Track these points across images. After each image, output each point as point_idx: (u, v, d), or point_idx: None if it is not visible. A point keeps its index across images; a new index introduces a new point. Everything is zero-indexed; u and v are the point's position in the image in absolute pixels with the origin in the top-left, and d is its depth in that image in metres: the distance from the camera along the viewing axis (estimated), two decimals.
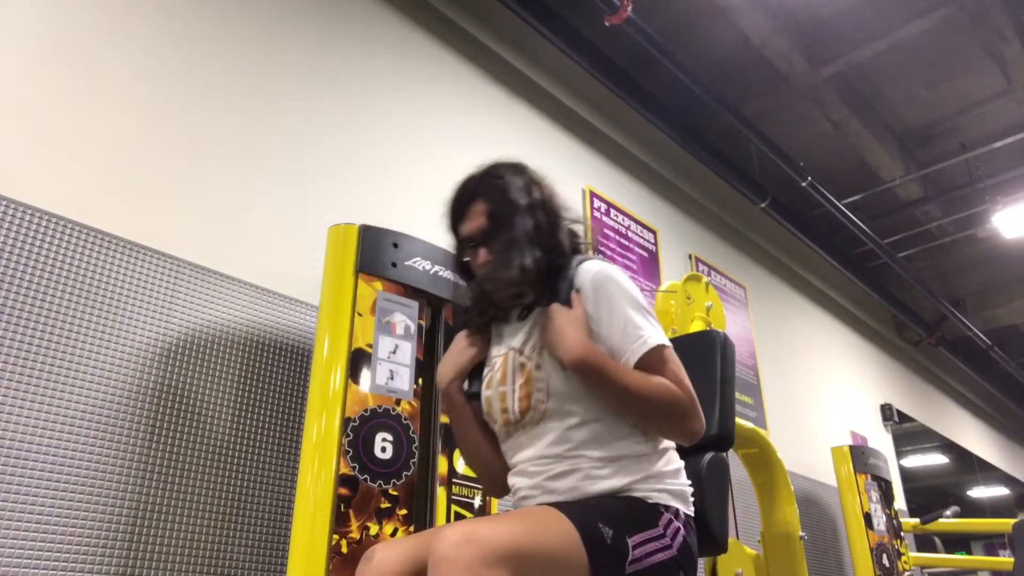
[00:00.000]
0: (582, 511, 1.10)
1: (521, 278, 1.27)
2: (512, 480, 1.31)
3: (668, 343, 1.24)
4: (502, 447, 1.34)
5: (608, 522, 1.10)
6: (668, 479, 1.23)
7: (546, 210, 1.34)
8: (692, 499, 1.28)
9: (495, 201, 1.34)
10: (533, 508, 1.12)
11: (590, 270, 1.28)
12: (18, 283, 1.66)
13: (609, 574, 1.08)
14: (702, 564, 2.67)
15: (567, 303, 1.25)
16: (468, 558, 0.94)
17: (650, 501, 1.19)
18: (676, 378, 1.21)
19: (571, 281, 1.28)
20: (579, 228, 1.39)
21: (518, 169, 1.40)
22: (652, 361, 1.20)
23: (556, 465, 1.22)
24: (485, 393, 1.34)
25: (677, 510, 1.21)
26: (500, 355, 1.34)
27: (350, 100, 2.62)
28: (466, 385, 1.40)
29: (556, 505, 1.12)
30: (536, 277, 1.27)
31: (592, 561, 1.05)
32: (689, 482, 1.29)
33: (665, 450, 1.27)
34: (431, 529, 1.28)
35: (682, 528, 1.20)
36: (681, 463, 1.29)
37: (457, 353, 1.40)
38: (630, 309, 1.23)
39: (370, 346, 1.78)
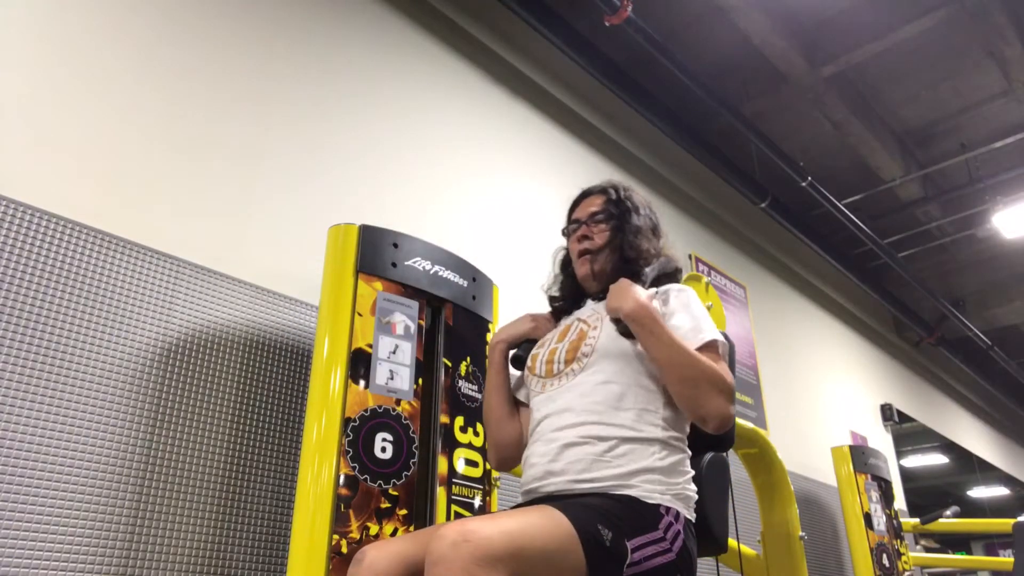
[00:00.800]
0: (582, 511, 1.10)
1: (619, 263, 1.44)
2: (528, 452, 1.35)
3: (722, 339, 1.34)
4: (533, 402, 1.41)
5: (607, 524, 1.10)
6: (674, 478, 1.23)
7: (652, 220, 1.55)
8: (694, 501, 1.28)
9: (611, 197, 1.53)
10: (533, 507, 1.12)
11: (672, 285, 1.43)
12: (18, 283, 1.66)
13: (606, 574, 1.08)
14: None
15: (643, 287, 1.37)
16: (465, 558, 0.94)
17: (651, 502, 1.19)
18: (724, 367, 1.29)
19: (654, 280, 1.42)
20: (675, 249, 1.56)
21: (636, 190, 1.60)
22: (709, 349, 1.30)
23: (571, 431, 1.27)
24: (536, 351, 1.46)
25: (678, 513, 1.21)
26: (565, 324, 1.48)
27: (350, 100, 2.62)
28: (512, 352, 1.51)
29: (556, 504, 1.11)
30: (631, 264, 1.43)
31: (590, 563, 1.05)
32: (695, 488, 1.29)
33: (680, 449, 1.29)
34: (423, 529, 1.28)
35: (682, 532, 1.20)
36: (691, 472, 1.30)
37: (518, 325, 1.54)
38: (699, 313, 1.35)
39: (370, 346, 1.78)
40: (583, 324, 1.42)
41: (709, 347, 1.30)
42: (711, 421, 1.23)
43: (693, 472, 1.32)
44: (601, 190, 1.56)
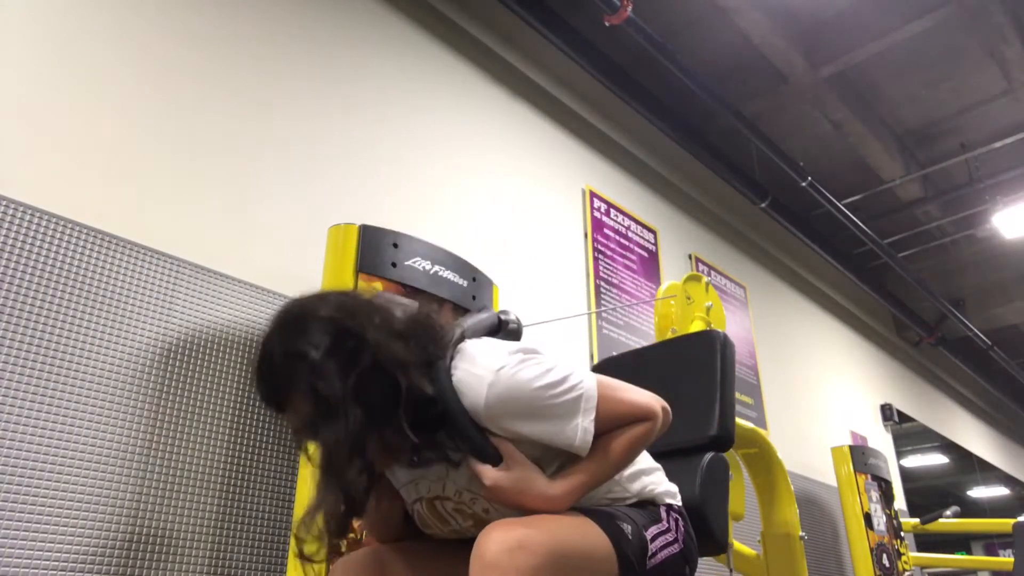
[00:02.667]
0: (599, 511, 1.10)
1: (348, 507, 1.01)
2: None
3: (590, 386, 1.07)
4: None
5: (625, 519, 1.10)
6: (643, 478, 1.22)
7: (376, 373, 1.00)
8: (676, 490, 1.28)
9: (306, 396, 1.01)
10: (562, 514, 1.06)
11: (477, 402, 1.02)
12: (18, 283, 1.66)
13: (633, 570, 1.07)
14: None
15: (485, 451, 1.05)
16: (521, 565, 0.92)
17: (648, 497, 1.20)
18: (630, 411, 1.10)
19: (466, 413, 1.03)
20: (433, 317, 1.10)
21: (327, 324, 1.02)
22: (603, 423, 1.07)
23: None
24: (426, 531, 1.18)
25: (670, 503, 1.22)
26: (418, 502, 1.15)
27: (350, 100, 2.62)
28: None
29: (573, 508, 1.10)
30: (420, 452, 1.06)
31: (620, 558, 1.05)
32: (660, 468, 1.27)
33: (637, 463, 1.24)
34: (396, 544, 1.23)
35: (679, 517, 1.20)
36: (646, 458, 1.26)
37: (385, 518, 1.20)
38: (545, 413, 1.04)
39: None
40: (450, 503, 1.13)
41: (601, 422, 1.06)
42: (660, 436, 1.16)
43: (658, 465, 1.29)
44: (285, 385, 1.02)
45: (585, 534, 1.04)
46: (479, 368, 1.04)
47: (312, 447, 1.08)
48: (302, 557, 1.05)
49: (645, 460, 1.26)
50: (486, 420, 1.03)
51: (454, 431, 1.04)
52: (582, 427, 1.05)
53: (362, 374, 0.99)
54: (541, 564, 0.94)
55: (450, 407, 1.02)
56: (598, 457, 1.08)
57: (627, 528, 1.09)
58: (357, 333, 1.01)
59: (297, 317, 1.04)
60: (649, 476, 1.23)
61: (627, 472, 1.19)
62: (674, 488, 1.27)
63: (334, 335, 1.01)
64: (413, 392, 1.00)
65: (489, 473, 1.04)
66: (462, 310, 2.04)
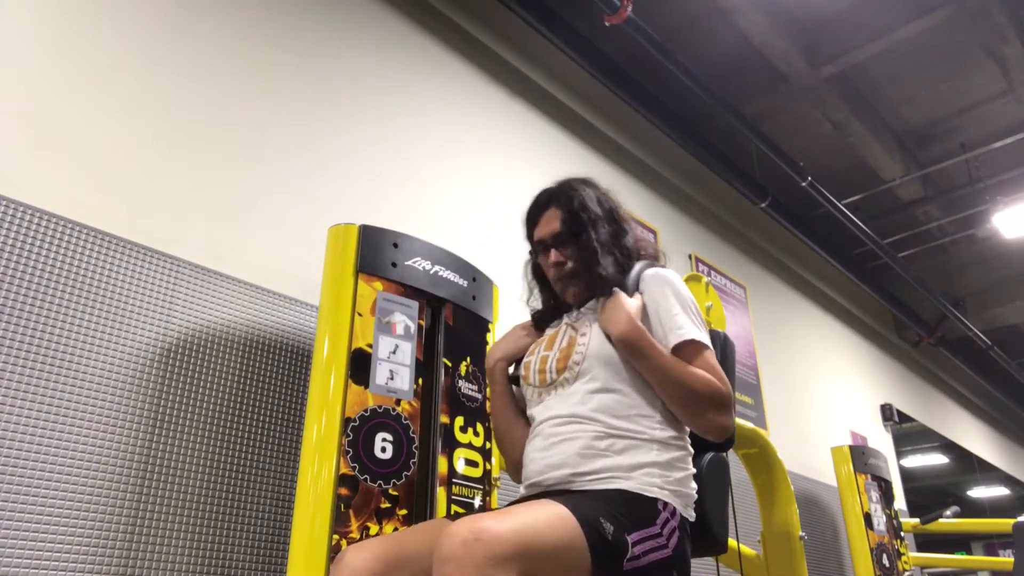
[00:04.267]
0: (584, 505, 1.10)
1: (597, 282, 1.38)
2: (529, 446, 1.35)
3: (707, 341, 1.33)
4: (530, 412, 1.40)
5: (609, 518, 1.10)
6: (673, 473, 1.23)
7: (616, 219, 1.47)
8: (694, 499, 1.29)
9: (569, 209, 1.45)
10: (536, 503, 1.12)
11: (648, 269, 1.42)
12: (18, 283, 1.66)
13: (608, 571, 1.08)
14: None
15: (630, 294, 1.36)
16: (477, 557, 0.93)
17: (649, 495, 1.19)
18: (713, 370, 1.29)
19: (636, 280, 1.40)
20: (646, 236, 1.54)
21: (589, 183, 1.52)
22: (688, 351, 1.29)
23: (571, 427, 1.27)
24: (527, 359, 1.44)
25: (675, 509, 1.21)
26: (553, 328, 1.48)
27: (350, 100, 2.62)
28: (511, 370, 1.50)
29: (558, 499, 1.11)
30: (608, 281, 1.38)
31: (593, 557, 1.05)
32: (695, 487, 1.29)
33: (679, 447, 1.29)
34: (405, 529, 1.29)
35: (678, 529, 1.20)
36: (691, 470, 1.30)
37: (512, 340, 1.52)
38: (677, 306, 1.34)
39: (370, 346, 1.78)
40: (571, 329, 1.42)
41: (689, 347, 1.30)
42: (709, 434, 1.29)
43: (694, 470, 1.31)
44: (557, 201, 1.49)
45: (556, 528, 1.04)
46: (658, 267, 1.46)
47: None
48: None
49: (686, 461, 1.31)
50: (646, 283, 1.39)
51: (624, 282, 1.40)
52: (687, 329, 1.31)
53: (608, 211, 1.47)
54: (499, 556, 0.94)
55: (630, 268, 1.43)
56: (676, 359, 1.28)
57: (608, 527, 1.09)
58: (607, 193, 1.52)
59: (567, 178, 1.55)
60: (678, 472, 1.25)
61: (668, 458, 1.25)
62: (691, 494, 1.27)
63: (596, 188, 1.52)
64: (626, 241, 1.46)
65: (619, 293, 1.35)
66: (463, 310, 2.04)
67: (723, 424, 1.27)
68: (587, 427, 1.26)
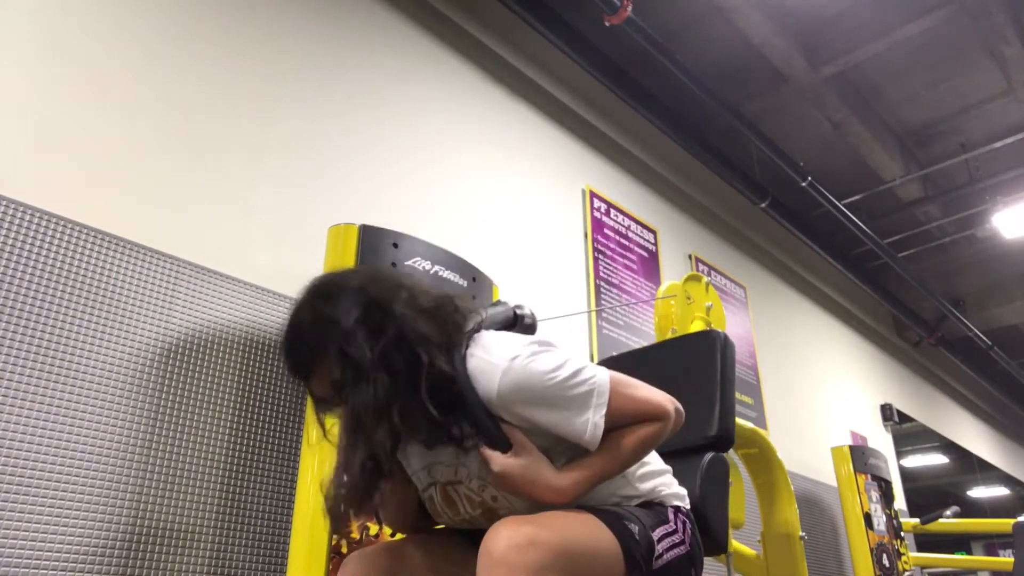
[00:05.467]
0: (606, 510, 1.10)
1: (369, 478, 1.02)
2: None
3: (603, 382, 1.08)
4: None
5: (632, 520, 1.10)
6: (653, 479, 1.22)
7: (401, 345, 1.03)
8: (685, 493, 1.28)
9: (336, 361, 1.04)
10: (566, 511, 1.06)
11: (491, 390, 1.04)
12: (18, 283, 1.66)
13: (639, 572, 1.08)
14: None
15: (496, 437, 1.06)
16: (530, 562, 0.92)
17: (656, 500, 1.20)
18: (642, 409, 1.10)
19: (480, 401, 1.05)
20: (457, 303, 1.13)
21: (357, 293, 1.06)
22: (614, 418, 1.08)
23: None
24: (439, 519, 1.19)
25: (678, 506, 1.21)
26: (432, 486, 1.16)
27: (350, 100, 2.62)
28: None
29: (580, 507, 1.10)
30: (434, 431, 1.05)
31: (627, 559, 1.05)
32: (670, 470, 1.27)
33: (650, 460, 1.24)
34: (407, 537, 1.24)
35: (688, 523, 1.20)
36: (656, 460, 1.26)
37: (398, 505, 1.20)
38: (556, 404, 1.05)
39: None
40: (462, 488, 1.13)
41: (597, 430, 1.06)
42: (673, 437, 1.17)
43: (656, 456, 1.28)
44: (313, 349, 1.05)
45: (593, 533, 1.04)
46: (494, 356, 1.05)
47: (329, 421, 1.11)
48: (335, 519, 1.07)
49: (656, 461, 1.25)
50: (498, 407, 1.05)
51: (467, 415, 1.05)
52: (592, 421, 1.06)
53: (388, 344, 1.03)
54: (550, 562, 0.93)
55: (464, 391, 1.04)
56: (608, 452, 1.08)
57: (634, 528, 1.08)
58: (385, 305, 1.05)
59: (328, 287, 1.09)
60: (659, 477, 1.23)
61: (638, 471, 1.19)
62: (683, 491, 1.26)
63: (364, 305, 1.05)
64: (433, 368, 1.03)
65: (498, 459, 1.05)
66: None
67: (676, 429, 1.15)
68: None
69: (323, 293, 1.08)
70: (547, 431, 1.07)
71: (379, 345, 1.02)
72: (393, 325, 1.04)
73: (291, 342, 1.08)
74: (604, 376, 1.09)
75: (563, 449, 1.10)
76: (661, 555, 1.11)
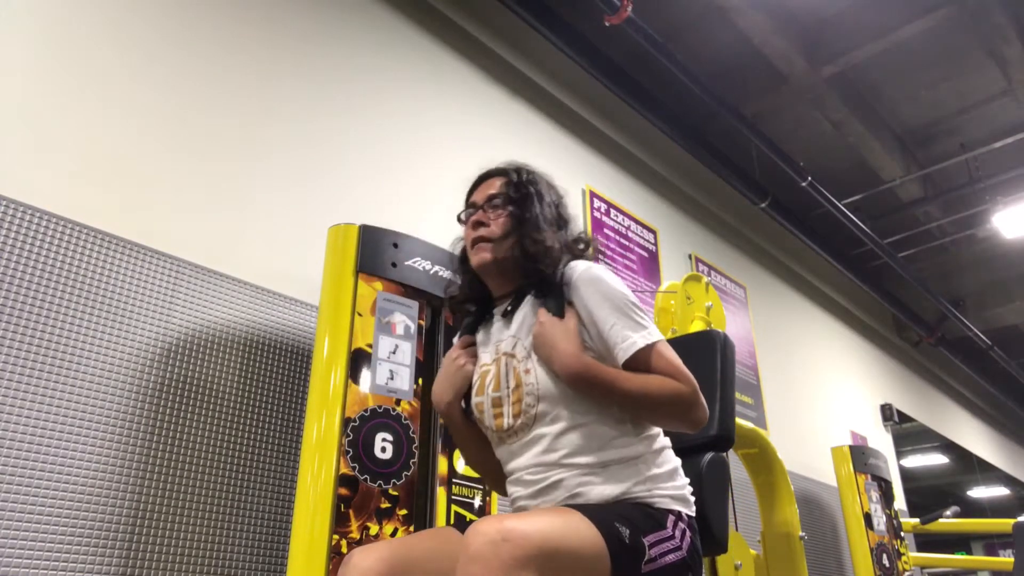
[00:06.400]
0: (598, 512, 1.10)
1: (549, 254, 1.28)
2: (510, 489, 1.30)
3: (658, 337, 1.21)
4: (496, 452, 1.32)
5: (624, 522, 1.10)
6: (665, 482, 1.23)
7: (557, 209, 1.37)
8: (692, 499, 1.28)
9: (513, 181, 1.37)
10: (555, 509, 1.11)
11: (576, 269, 1.27)
12: (18, 283, 1.66)
13: (627, 573, 1.08)
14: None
15: (559, 308, 1.24)
16: (504, 557, 0.93)
17: (655, 505, 1.19)
18: (673, 369, 1.19)
19: (561, 284, 1.27)
20: (586, 238, 1.40)
21: (540, 172, 1.45)
22: (643, 359, 1.19)
23: (549, 474, 1.21)
24: (476, 399, 1.31)
25: (680, 512, 1.21)
26: (491, 360, 1.32)
27: (350, 100, 2.62)
28: (463, 403, 1.36)
29: (572, 506, 1.11)
30: (534, 261, 1.28)
31: (613, 560, 1.05)
32: (687, 480, 1.29)
33: (660, 450, 1.26)
34: (412, 534, 1.27)
35: (688, 530, 1.20)
36: (677, 462, 1.28)
37: (452, 373, 1.36)
38: (612, 313, 1.21)
39: (370, 346, 1.78)
40: (512, 360, 1.27)
41: (641, 355, 1.18)
42: (688, 430, 1.21)
43: (679, 461, 1.29)
44: (502, 171, 1.41)
45: (577, 532, 1.04)
46: (592, 263, 1.30)
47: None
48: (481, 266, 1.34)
49: (672, 461, 1.27)
50: (574, 286, 1.25)
51: (554, 280, 1.28)
52: (633, 339, 1.19)
53: (553, 200, 1.39)
54: (526, 556, 0.94)
55: (554, 270, 1.29)
56: (631, 375, 1.18)
57: (624, 531, 1.09)
58: (555, 187, 1.44)
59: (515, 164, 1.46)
60: (671, 480, 1.24)
61: (658, 471, 1.22)
62: (689, 498, 1.26)
63: (546, 179, 1.44)
64: (566, 233, 1.36)
65: (546, 317, 1.23)
66: (452, 302, 2.03)
67: (696, 419, 1.19)
68: (567, 472, 1.20)
69: (513, 162, 1.46)
70: (595, 327, 1.22)
71: (550, 194, 1.39)
72: (556, 195, 1.41)
73: (492, 168, 1.47)
74: (658, 332, 1.26)
75: (598, 358, 1.23)
76: (654, 559, 1.11)
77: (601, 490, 1.18)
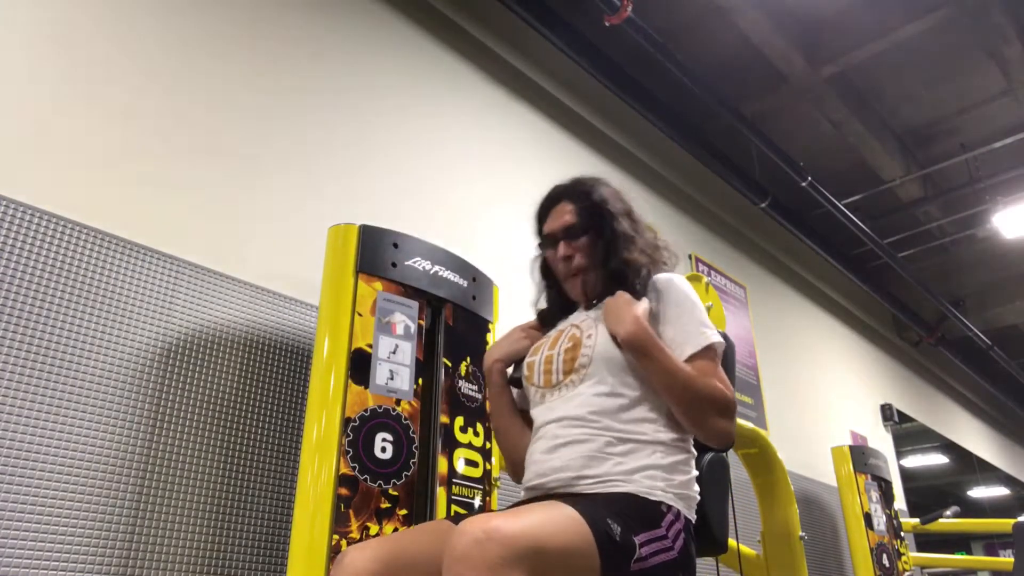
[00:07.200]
0: (591, 506, 1.10)
1: (611, 276, 1.37)
2: (532, 445, 1.34)
3: (720, 340, 1.32)
4: (533, 412, 1.39)
5: (616, 519, 1.10)
6: (676, 476, 1.23)
7: (633, 219, 1.44)
8: (696, 501, 1.29)
9: (583, 203, 1.42)
10: (545, 504, 1.11)
11: (660, 276, 1.39)
12: (18, 283, 1.66)
13: (616, 571, 1.08)
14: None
15: (636, 296, 1.33)
16: (489, 556, 0.93)
17: (652, 499, 1.19)
18: (722, 377, 1.28)
19: (646, 284, 1.37)
20: (663, 243, 1.48)
21: (603, 181, 1.48)
22: (708, 356, 1.29)
23: (575, 431, 1.26)
24: (529, 359, 1.42)
25: (679, 511, 1.21)
26: (556, 332, 1.43)
27: (350, 100, 2.62)
28: (511, 371, 1.47)
29: (565, 500, 1.12)
30: (623, 279, 1.36)
31: (602, 557, 1.05)
32: (697, 489, 1.29)
33: (683, 450, 1.29)
34: (406, 530, 1.29)
35: (683, 531, 1.20)
36: (694, 473, 1.30)
37: (510, 341, 1.48)
38: (692, 311, 1.33)
39: (370, 346, 1.78)
40: (576, 329, 1.38)
41: (708, 352, 1.29)
42: (712, 440, 1.28)
43: (697, 473, 1.31)
44: (570, 195, 1.45)
45: (567, 529, 1.04)
46: (669, 274, 1.41)
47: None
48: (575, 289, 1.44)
49: (691, 469, 1.30)
50: (658, 284, 1.36)
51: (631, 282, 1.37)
52: (696, 340, 1.30)
53: (624, 210, 1.44)
54: (511, 555, 0.94)
55: (643, 285, 1.38)
56: (684, 367, 1.26)
57: (615, 528, 1.09)
58: (621, 194, 1.49)
59: (580, 176, 1.51)
60: (682, 476, 1.26)
61: (673, 464, 1.25)
62: (693, 496, 1.28)
63: (611, 187, 1.48)
64: (639, 241, 1.42)
65: (622, 294, 1.32)
66: (462, 310, 2.04)
67: (726, 430, 1.26)
68: (591, 431, 1.25)
69: (576, 177, 1.50)
70: (668, 324, 1.32)
71: (619, 206, 1.44)
72: (624, 205, 1.47)
73: (547, 195, 1.48)
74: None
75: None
76: (644, 558, 1.11)
77: (611, 466, 1.20)
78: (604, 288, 1.39)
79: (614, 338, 1.29)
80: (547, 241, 1.46)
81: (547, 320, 1.50)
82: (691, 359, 1.28)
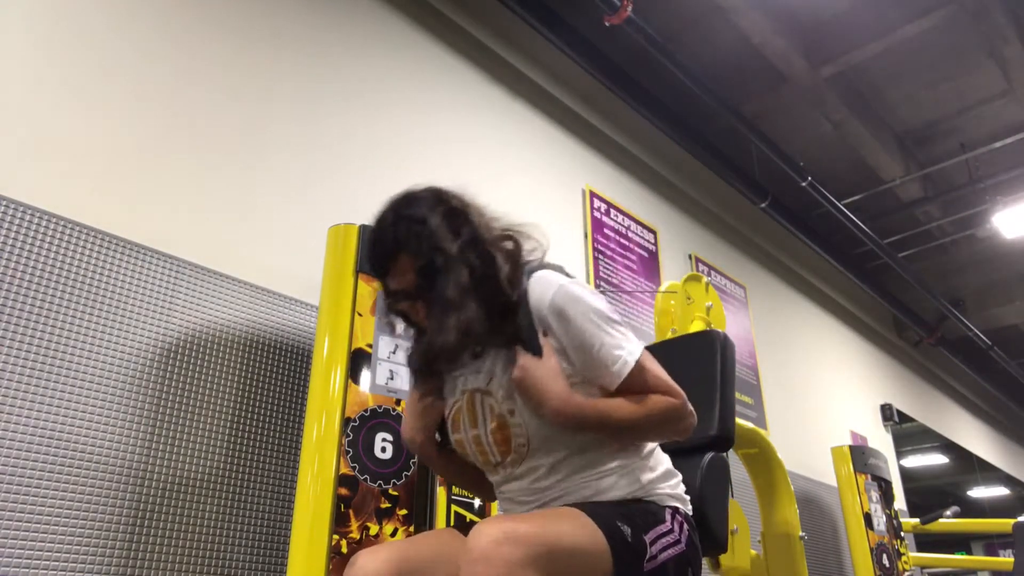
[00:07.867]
0: (600, 510, 1.11)
1: (464, 341, 1.13)
2: (503, 506, 1.29)
3: (640, 349, 1.18)
4: (488, 477, 1.30)
5: (625, 521, 1.11)
6: (660, 484, 1.24)
7: (477, 246, 1.17)
8: (688, 498, 1.29)
9: (420, 254, 1.15)
10: (556, 509, 1.11)
11: (544, 297, 1.16)
12: (18, 283, 1.66)
13: (629, 572, 1.08)
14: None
15: (534, 344, 1.16)
16: (508, 557, 0.93)
17: (655, 501, 1.20)
18: (662, 384, 1.17)
19: (529, 314, 1.17)
20: (523, 230, 1.27)
21: (436, 199, 1.21)
22: (634, 377, 1.16)
23: (546, 494, 1.21)
24: (455, 436, 1.27)
25: (677, 508, 1.22)
26: (462, 395, 1.25)
27: (350, 100, 2.62)
28: (438, 437, 1.32)
29: (575, 505, 1.12)
30: (483, 330, 1.14)
31: (616, 560, 1.06)
32: (680, 478, 1.29)
33: (650, 454, 1.26)
34: (417, 535, 1.28)
35: (685, 523, 1.21)
36: (667, 463, 1.29)
37: (421, 412, 1.28)
38: (597, 329, 1.15)
39: (370, 346, 1.78)
40: (488, 398, 1.20)
41: (633, 374, 1.15)
42: (679, 438, 1.22)
43: (668, 461, 1.30)
44: (405, 245, 1.16)
45: (580, 531, 1.04)
46: (554, 277, 1.20)
47: (403, 313, 1.22)
48: (418, 370, 1.23)
49: (665, 463, 1.28)
50: (547, 312, 1.16)
51: (516, 320, 1.17)
52: (623, 358, 1.15)
53: (466, 243, 1.16)
54: (530, 556, 0.94)
55: (520, 298, 1.17)
56: (623, 401, 1.15)
57: (626, 530, 1.09)
58: (463, 211, 1.20)
59: (409, 195, 1.23)
60: (665, 480, 1.25)
61: (653, 474, 1.22)
62: (685, 496, 1.27)
63: (445, 207, 1.19)
64: (500, 272, 1.16)
65: (525, 357, 1.14)
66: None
67: (687, 427, 1.20)
68: (566, 487, 1.19)
69: (403, 201, 1.22)
70: (580, 354, 1.16)
71: (460, 241, 1.16)
72: (469, 228, 1.18)
73: (376, 240, 1.20)
74: (639, 345, 1.20)
75: (583, 383, 1.18)
76: (655, 556, 1.12)
77: (605, 498, 1.18)
78: (483, 330, 1.15)
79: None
80: (399, 296, 1.21)
81: (426, 371, 1.26)
82: (621, 390, 1.16)
